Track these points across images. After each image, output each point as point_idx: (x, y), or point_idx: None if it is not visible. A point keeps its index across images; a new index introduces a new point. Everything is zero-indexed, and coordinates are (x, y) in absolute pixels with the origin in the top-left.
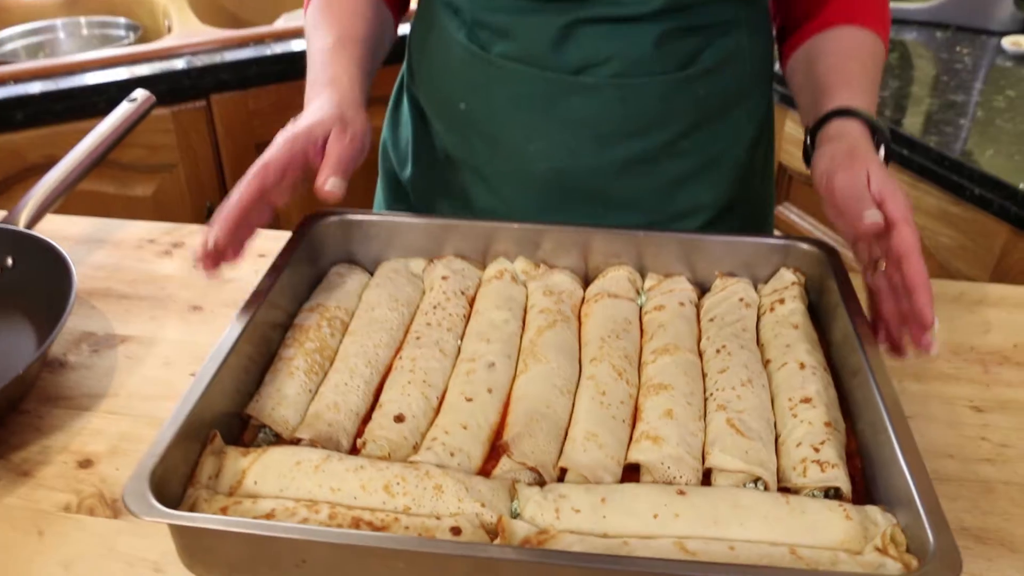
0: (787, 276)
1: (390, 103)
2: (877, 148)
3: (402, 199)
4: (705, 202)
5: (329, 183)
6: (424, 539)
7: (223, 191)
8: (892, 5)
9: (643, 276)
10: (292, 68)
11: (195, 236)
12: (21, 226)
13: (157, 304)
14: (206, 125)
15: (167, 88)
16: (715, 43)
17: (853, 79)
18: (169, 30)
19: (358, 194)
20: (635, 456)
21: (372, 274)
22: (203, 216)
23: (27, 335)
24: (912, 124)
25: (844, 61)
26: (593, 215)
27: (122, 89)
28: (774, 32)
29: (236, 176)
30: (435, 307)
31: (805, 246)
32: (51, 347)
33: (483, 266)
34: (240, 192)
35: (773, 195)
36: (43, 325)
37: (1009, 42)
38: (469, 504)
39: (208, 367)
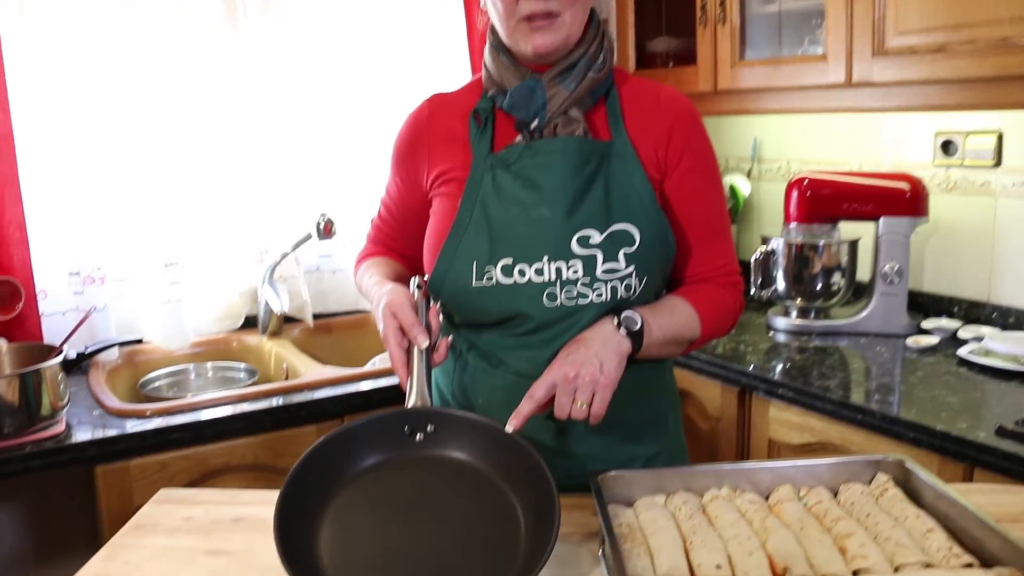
0: (882, 477)
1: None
2: (619, 325)
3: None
4: (639, 454)
5: (420, 339)
6: None
7: None
8: (825, 322)
9: (799, 489)
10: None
11: None
12: None
13: None
14: None
15: (311, 412)
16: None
17: (654, 306)
18: (286, 373)
19: None
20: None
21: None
22: None
23: None
24: (856, 397)
25: (662, 301)
26: (568, 465)
27: (284, 412)
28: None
29: None
30: (690, 517)
31: (891, 459)
32: None
33: (700, 494)
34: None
35: (683, 441)
36: None
37: (911, 341)
38: None
39: None
